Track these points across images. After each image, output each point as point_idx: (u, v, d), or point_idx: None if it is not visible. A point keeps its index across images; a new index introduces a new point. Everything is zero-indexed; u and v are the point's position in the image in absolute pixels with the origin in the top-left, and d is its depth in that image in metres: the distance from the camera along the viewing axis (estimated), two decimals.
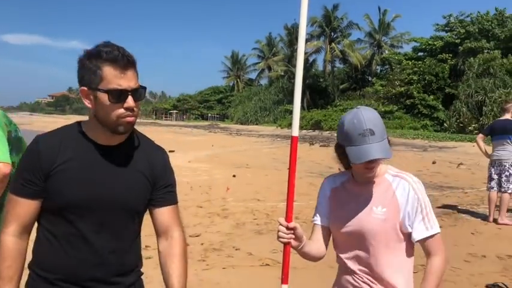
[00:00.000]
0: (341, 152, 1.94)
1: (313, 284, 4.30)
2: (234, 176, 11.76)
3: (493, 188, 7.47)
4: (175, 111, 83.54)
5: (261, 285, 4.70)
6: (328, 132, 34.67)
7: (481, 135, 7.95)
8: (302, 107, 49.70)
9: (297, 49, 1.97)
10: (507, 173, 7.32)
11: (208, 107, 78.49)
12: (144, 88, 1.66)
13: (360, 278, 1.96)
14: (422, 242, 1.91)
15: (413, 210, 1.89)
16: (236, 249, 5.71)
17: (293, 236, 1.90)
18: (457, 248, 5.83)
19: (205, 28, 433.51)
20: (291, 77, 52.68)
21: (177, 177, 1.88)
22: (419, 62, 37.12)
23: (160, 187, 1.79)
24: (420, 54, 40.36)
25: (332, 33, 51.40)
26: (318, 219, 2.08)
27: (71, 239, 1.65)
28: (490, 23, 35.41)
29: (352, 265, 1.97)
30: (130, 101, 1.60)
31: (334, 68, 53.21)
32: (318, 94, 50.64)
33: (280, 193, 9.23)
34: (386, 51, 49.97)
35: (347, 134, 1.84)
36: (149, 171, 1.75)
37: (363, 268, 1.95)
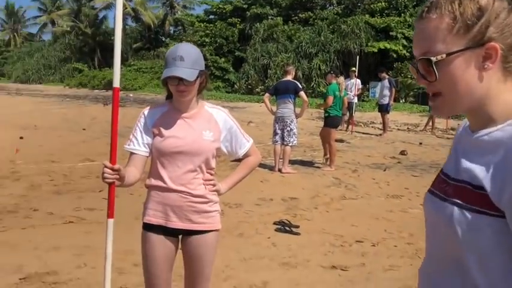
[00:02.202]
0: (163, 84, 2.30)
1: (121, 235, 4.41)
2: (21, 138, 10.75)
3: (277, 141, 8.45)
4: None
5: (67, 239, 4.60)
6: (122, 92, 33.71)
7: (267, 94, 8.87)
8: (93, 66, 47.41)
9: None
10: (288, 128, 8.36)
11: None
12: None
13: (182, 195, 2.28)
14: (245, 152, 2.43)
15: (231, 131, 2.39)
16: (34, 210, 5.41)
17: (117, 177, 2.09)
18: (249, 194, 6.54)
19: None
20: (79, 33, 49.27)
21: None
22: (211, 25, 38.33)
23: None
24: (211, 17, 41.64)
25: None
26: (135, 148, 2.32)
27: None
28: None
29: (173, 184, 2.27)
30: None
31: (126, 26, 51.46)
32: (109, 52, 48.50)
33: (77, 154, 8.86)
34: (179, 12, 50.32)
35: (165, 59, 2.25)
36: None
37: (184, 187, 2.28)
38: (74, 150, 9.08)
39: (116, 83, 2.17)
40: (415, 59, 1.06)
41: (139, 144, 2.32)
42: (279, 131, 8.41)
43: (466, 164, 1.05)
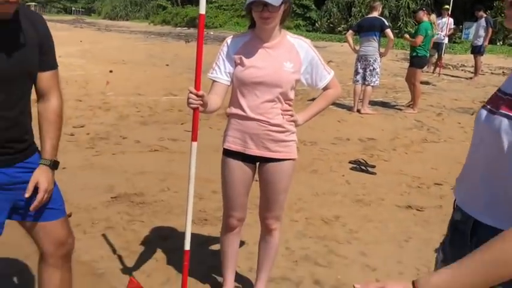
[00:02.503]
0: (247, 12, 2.29)
1: (202, 165, 4.66)
2: (111, 71, 11.33)
3: (358, 81, 8.24)
4: (33, 3, 74.90)
5: (152, 165, 4.93)
6: (204, 30, 34.08)
7: (350, 31, 8.54)
8: (176, 3, 47.89)
9: None
10: (371, 67, 8.09)
11: (71, 0, 71.50)
12: None
13: (260, 124, 2.34)
14: (326, 84, 2.43)
15: (313, 63, 2.37)
16: (123, 138, 5.79)
17: (201, 102, 2.16)
18: (325, 133, 6.53)
19: None
20: None
21: None
22: None
23: (43, 52, 1.89)
24: None
25: None
26: (217, 76, 2.38)
27: None
28: None
29: (252, 113, 2.32)
30: None
31: None
32: None
33: (161, 88, 9.22)
34: None
35: None
36: (36, 37, 1.85)
37: (263, 116, 2.33)
38: (158, 84, 9.45)
39: (202, 10, 2.18)
40: None
41: (221, 72, 2.37)
42: (360, 70, 8.18)
43: None
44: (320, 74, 2.41)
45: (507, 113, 1.15)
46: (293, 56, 2.33)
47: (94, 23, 45.34)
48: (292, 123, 2.42)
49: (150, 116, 7.10)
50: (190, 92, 2.14)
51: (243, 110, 2.34)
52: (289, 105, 2.41)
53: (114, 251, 3.21)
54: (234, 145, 2.41)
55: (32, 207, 1.87)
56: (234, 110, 2.39)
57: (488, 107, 1.25)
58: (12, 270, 2.92)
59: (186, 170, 4.06)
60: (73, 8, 70.32)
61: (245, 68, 2.31)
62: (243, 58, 2.32)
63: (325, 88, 2.47)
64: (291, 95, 2.39)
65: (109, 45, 18.89)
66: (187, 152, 5.26)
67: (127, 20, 50.41)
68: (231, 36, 2.43)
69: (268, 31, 2.30)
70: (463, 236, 1.27)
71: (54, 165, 1.96)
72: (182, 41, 24.00)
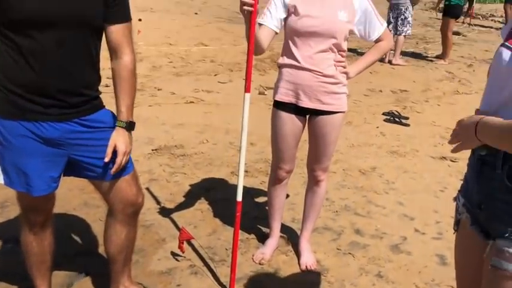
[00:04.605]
0: None
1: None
2: (139, 20, 11.24)
3: (390, 31, 8.11)
4: None
5: (189, 117, 5.03)
6: None
7: None
8: None
9: None
10: (403, 17, 7.93)
11: None
12: None
13: (313, 75, 2.37)
14: (378, 36, 2.42)
15: (367, 13, 2.36)
16: (158, 90, 5.88)
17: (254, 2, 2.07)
18: (357, 84, 6.49)
19: None
20: None
21: None
22: None
23: (109, 3, 1.80)
24: None
25: None
26: (267, 21, 2.35)
27: (35, 54, 1.70)
28: None
29: (305, 63, 2.34)
30: None
31: None
32: None
33: (191, 38, 9.17)
34: None
35: None
36: None
37: (316, 66, 2.35)
38: (189, 33, 9.39)
39: None
40: None
41: (271, 18, 2.34)
42: (392, 20, 8.03)
43: None
44: (373, 25, 2.40)
45: None
46: (348, 4, 2.32)
47: None
48: (344, 74, 2.45)
49: (182, 66, 7.14)
50: None
51: (297, 60, 2.35)
52: (342, 56, 2.41)
53: (159, 203, 3.31)
54: (286, 97, 2.43)
55: (113, 170, 1.86)
56: (286, 60, 2.40)
57: (507, 43, 1.28)
58: (59, 223, 3.06)
59: (223, 123, 4.13)
60: None
61: (299, 17, 2.30)
62: (297, 6, 2.30)
63: (378, 40, 2.46)
64: (344, 45, 2.40)
65: None
66: (222, 104, 5.36)
67: None
68: None
69: None
70: (493, 167, 1.32)
71: (130, 126, 1.92)
72: None
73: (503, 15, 12.85)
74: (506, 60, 1.28)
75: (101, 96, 1.98)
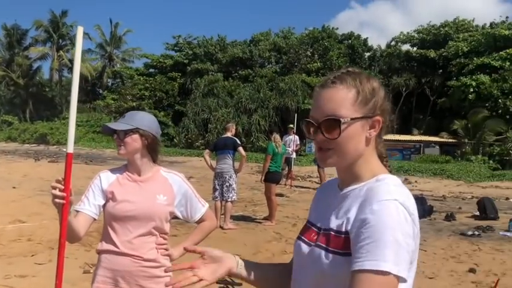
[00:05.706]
0: None
1: None
2: None
3: (217, 198, 8.48)
4: None
5: None
6: (55, 146, 32.49)
7: (207, 150, 9.01)
8: (24, 119, 45.56)
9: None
10: (227, 184, 8.43)
11: None
12: None
13: (133, 260, 2.28)
14: (200, 217, 2.45)
15: (187, 196, 2.41)
16: None
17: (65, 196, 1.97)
18: (190, 253, 6.44)
19: None
20: (10, 83, 47.71)
21: None
22: (151, 79, 38.43)
23: None
24: (151, 70, 41.79)
25: (60, 40, 48.86)
26: (85, 208, 2.29)
27: None
28: (213, 47, 38.85)
29: (124, 248, 2.27)
30: None
31: (63, 77, 50.50)
32: (43, 105, 47.16)
33: (6, 215, 8.37)
34: (118, 65, 50.07)
35: None
36: None
37: (136, 251, 2.28)
38: (3, 210, 8.60)
39: (70, 149, 2.03)
40: (312, 118, 1.29)
41: (89, 204, 2.30)
42: (218, 187, 8.47)
43: (333, 216, 1.27)
44: (195, 207, 2.45)
45: (323, 245, 1.24)
46: (166, 189, 2.37)
47: None
48: (167, 257, 2.38)
49: None
50: (55, 181, 1.97)
51: (116, 246, 2.28)
52: (164, 238, 2.38)
53: None
54: (103, 285, 2.30)
55: None
56: (105, 246, 2.31)
57: (304, 238, 1.35)
58: None
59: None
60: None
61: (116, 203, 2.29)
62: (115, 192, 2.31)
63: (201, 220, 2.49)
64: (166, 228, 2.38)
65: None
66: None
67: None
68: (105, 170, 2.43)
69: (135, 164, 2.35)
70: None
71: None
72: (31, 159, 22.56)
73: (318, 175, 14.59)
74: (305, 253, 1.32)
75: None
